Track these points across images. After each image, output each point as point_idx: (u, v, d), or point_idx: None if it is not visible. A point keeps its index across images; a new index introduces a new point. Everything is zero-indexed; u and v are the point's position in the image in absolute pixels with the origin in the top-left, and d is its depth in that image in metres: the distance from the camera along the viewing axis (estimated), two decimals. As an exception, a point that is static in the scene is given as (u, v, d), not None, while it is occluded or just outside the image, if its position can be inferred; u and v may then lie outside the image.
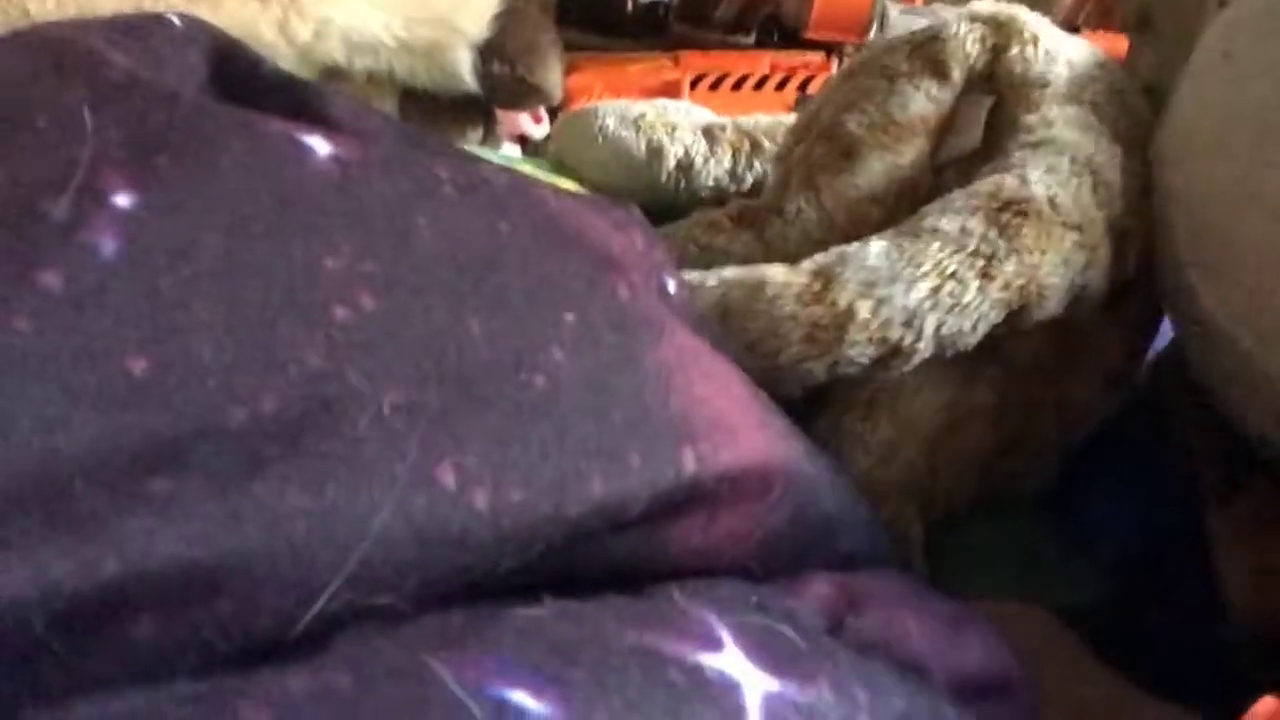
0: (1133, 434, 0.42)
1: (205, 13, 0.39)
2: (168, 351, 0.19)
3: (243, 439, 0.19)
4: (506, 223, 0.26)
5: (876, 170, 0.42)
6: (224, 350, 0.20)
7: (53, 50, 0.23)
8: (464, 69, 0.49)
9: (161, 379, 0.19)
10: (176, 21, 0.26)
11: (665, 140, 0.50)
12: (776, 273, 0.36)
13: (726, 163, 0.51)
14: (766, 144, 0.52)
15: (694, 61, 1.04)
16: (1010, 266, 0.35)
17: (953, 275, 0.35)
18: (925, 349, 0.35)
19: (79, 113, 0.21)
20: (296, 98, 0.27)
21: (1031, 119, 0.40)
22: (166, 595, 0.18)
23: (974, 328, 0.35)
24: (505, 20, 0.50)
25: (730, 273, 0.36)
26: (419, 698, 0.18)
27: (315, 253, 0.22)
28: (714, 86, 1.04)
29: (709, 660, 0.22)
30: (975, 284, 0.35)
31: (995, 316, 0.35)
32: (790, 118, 0.53)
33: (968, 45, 0.43)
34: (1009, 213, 0.36)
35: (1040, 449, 0.41)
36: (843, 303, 0.34)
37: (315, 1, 0.43)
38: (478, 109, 0.54)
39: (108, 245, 0.19)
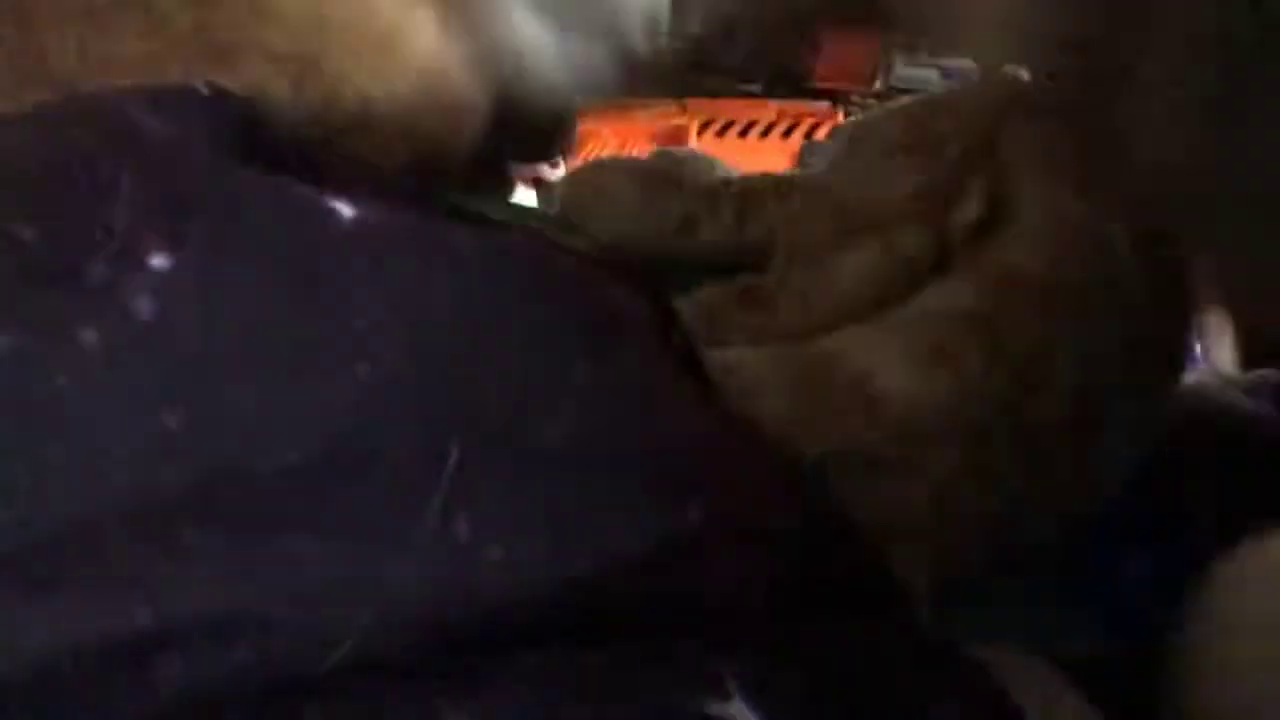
0: (1137, 487, 0.42)
1: (224, 72, 0.41)
2: (200, 406, 0.20)
3: (267, 491, 0.20)
4: (519, 281, 0.27)
5: (877, 249, 0.43)
6: (252, 405, 0.20)
7: (92, 117, 0.24)
8: (476, 128, 0.50)
9: (193, 432, 0.20)
10: (204, 90, 0.27)
11: (673, 200, 0.51)
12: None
13: (728, 219, 0.52)
14: (771, 204, 0.53)
15: (701, 108, 1.06)
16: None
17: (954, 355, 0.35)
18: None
19: (117, 177, 0.22)
20: (319, 163, 0.29)
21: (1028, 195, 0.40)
22: (189, 644, 0.18)
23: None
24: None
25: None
26: None
27: (340, 311, 0.23)
28: (721, 133, 1.05)
29: (715, 709, 0.23)
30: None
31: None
32: (797, 175, 0.54)
33: (962, 117, 0.44)
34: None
35: (1056, 513, 0.41)
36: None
37: (329, 62, 0.44)
38: (490, 163, 0.55)
39: (144, 305, 0.20)
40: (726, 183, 0.53)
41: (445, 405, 0.23)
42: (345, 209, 0.24)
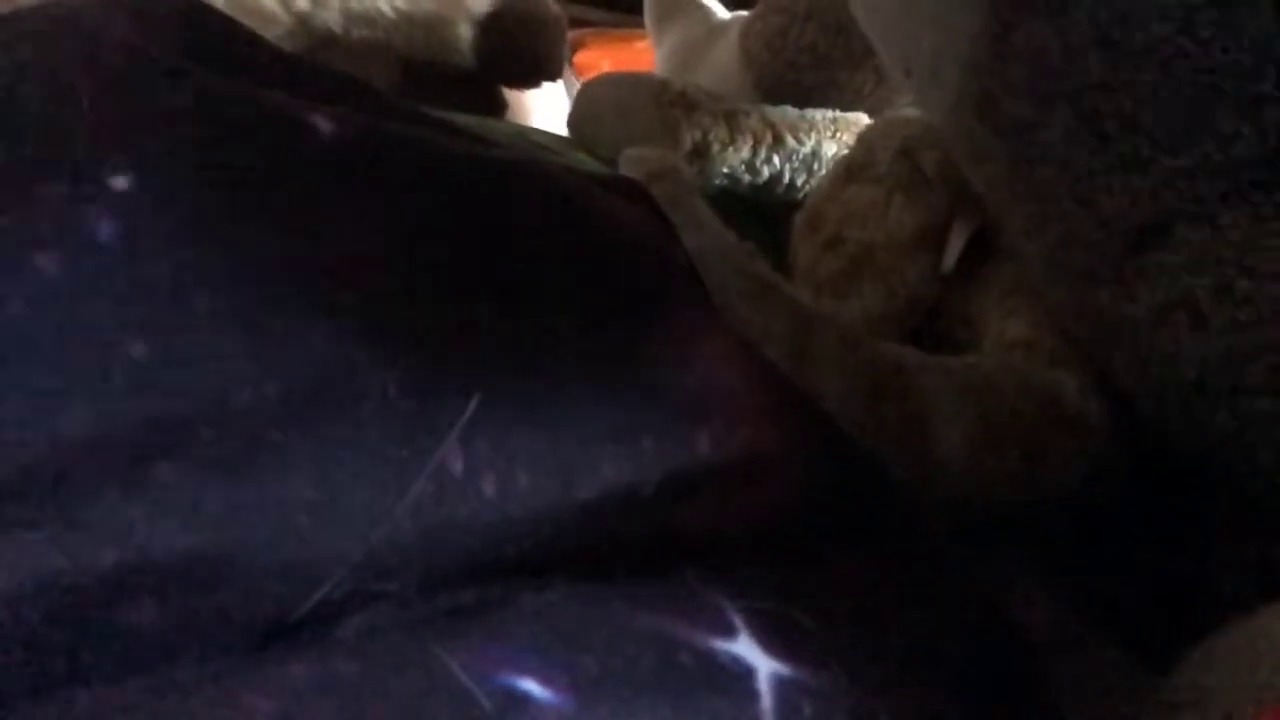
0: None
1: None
2: (168, 335, 0.19)
3: (245, 423, 0.19)
4: (516, 203, 0.26)
5: (881, 293, 0.41)
6: (225, 333, 0.19)
7: (51, 29, 0.22)
8: (464, 44, 0.48)
9: (162, 362, 0.18)
10: None
11: (683, 121, 0.48)
12: None
13: (745, 153, 0.50)
14: (789, 139, 0.50)
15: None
16: None
17: None
18: None
19: (75, 94, 0.20)
20: (298, 75, 0.27)
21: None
22: (167, 584, 0.17)
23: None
24: (509, -4, 0.50)
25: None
26: (425, 686, 0.18)
27: (319, 234, 0.21)
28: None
29: (721, 645, 0.22)
30: None
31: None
32: (814, 114, 0.52)
33: (943, 154, 0.41)
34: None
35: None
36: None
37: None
38: (481, 83, 0.53)
39: (105, 228, 0.19)
40: (746, 112, 0.50)
41: (436, 334, 0.22)
42: (324, 124, 0.23)
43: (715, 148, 0.49)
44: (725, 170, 0.49)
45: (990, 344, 0.38)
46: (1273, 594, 0.26)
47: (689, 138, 0.48)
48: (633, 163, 0.41)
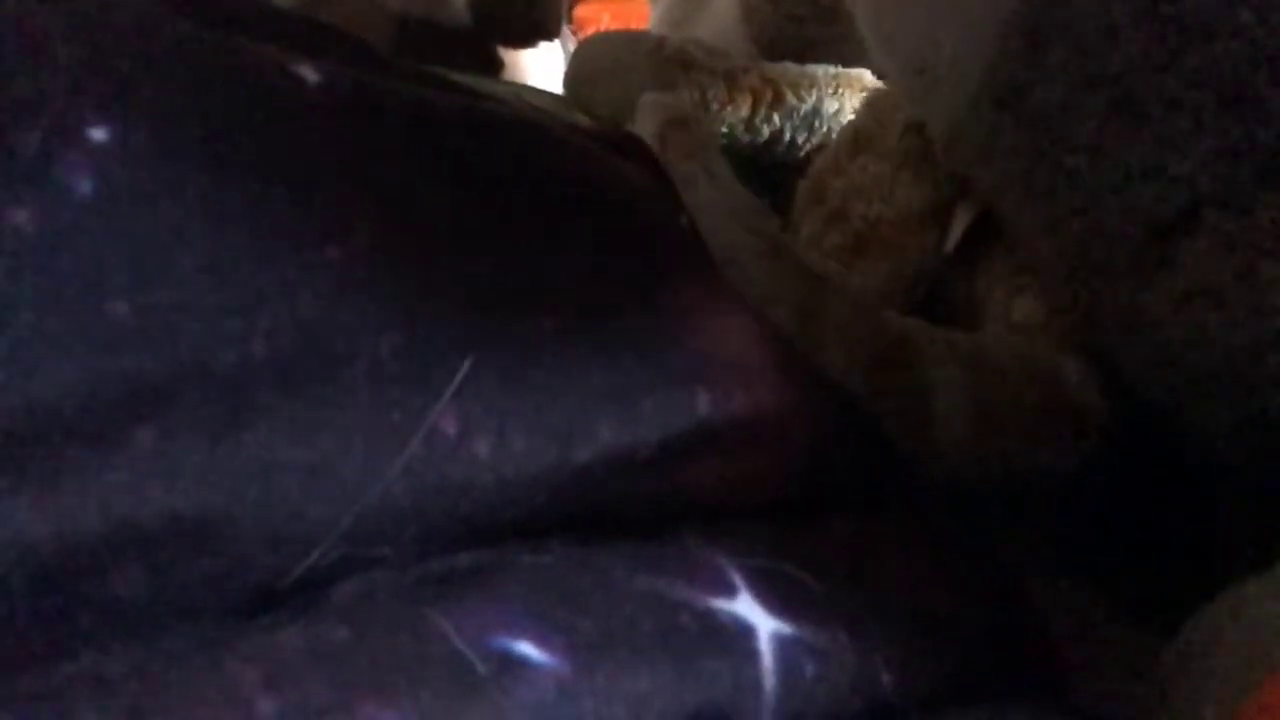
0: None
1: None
2: (149, 294, 0.18)
3: (232, 384, 0.18)
4: (512, 158, 0.25)
5: (885, 269, 0.40)
6: (210, 291, 0.19)
7: None
8: (460, 2, 0.47)
9: (143, 322, 0.18)
10: None
11: (680, 79, 0.48)
12: None
13: (744, 111, 0.49)
14: (789, 96, 0.50)
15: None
16: None
17: None
18: None
19: (50, 41, 0.19)
20: (285, 27, 0.26)
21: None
22: (152, 550, 0.17)
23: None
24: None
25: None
26: (419, 651, 0.17)
27: (305, 188, 0.21)
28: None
29: (721, 605, 0.22)
30: None
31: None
32: (814, 70, 0.51)
33: None
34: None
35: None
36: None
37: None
38: (477, 42, 0.52)
39: (82, 183, 0.18)
40: (745, 69, 0.49)
41: (429, 292, 0.22)
42: (310, 74, 0.22)
43: (714, 106, 0.48)
44: (724, 129, 0.49)
45: (994, 324, 0.38)
46: (1272, 563, 0.25)
47: (687, 96, 0.47)
48: (652, 108, 0.40)
